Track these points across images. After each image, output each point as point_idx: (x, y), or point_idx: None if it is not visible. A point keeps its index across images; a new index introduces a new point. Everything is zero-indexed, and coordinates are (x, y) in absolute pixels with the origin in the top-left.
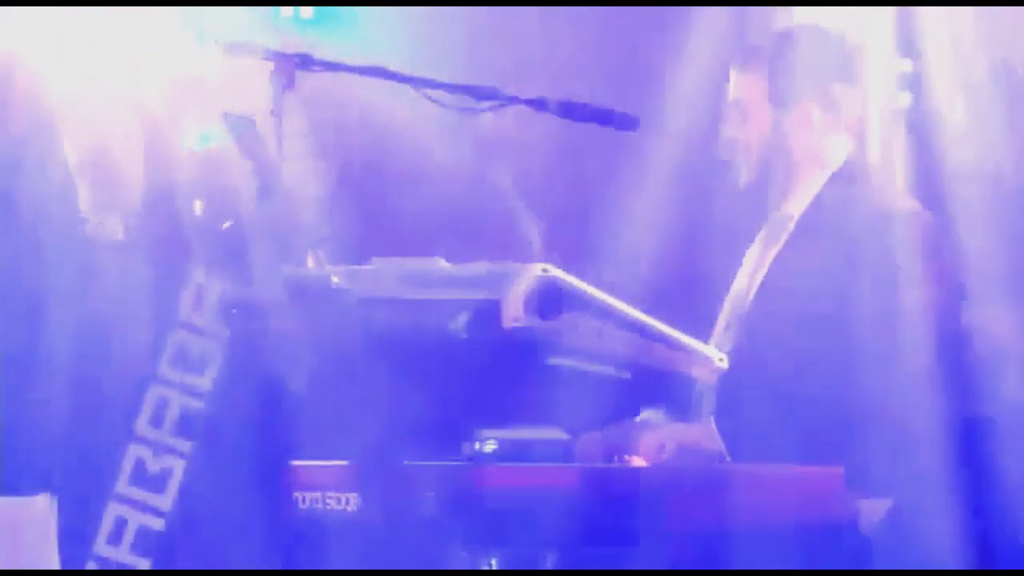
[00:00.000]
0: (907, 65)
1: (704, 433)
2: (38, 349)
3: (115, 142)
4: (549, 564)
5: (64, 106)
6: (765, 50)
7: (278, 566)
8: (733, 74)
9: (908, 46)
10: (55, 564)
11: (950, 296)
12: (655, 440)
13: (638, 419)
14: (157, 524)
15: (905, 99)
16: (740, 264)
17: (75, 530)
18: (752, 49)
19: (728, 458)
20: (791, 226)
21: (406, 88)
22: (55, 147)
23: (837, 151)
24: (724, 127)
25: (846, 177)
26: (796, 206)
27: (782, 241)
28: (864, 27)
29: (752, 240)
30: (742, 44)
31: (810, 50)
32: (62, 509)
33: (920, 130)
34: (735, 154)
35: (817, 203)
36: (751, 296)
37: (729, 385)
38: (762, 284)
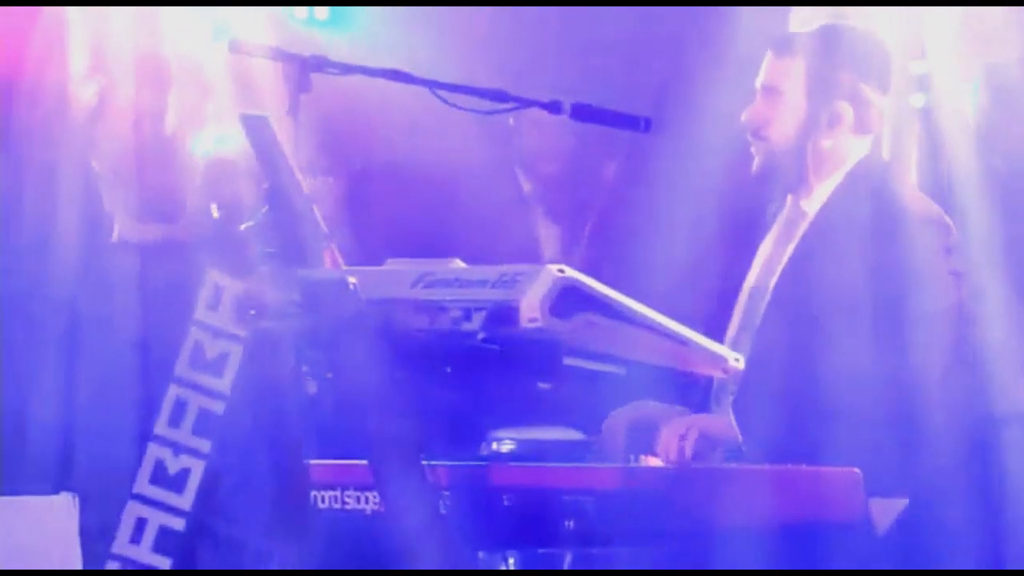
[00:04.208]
0: (921, 65)
1: (723, 424)
2: (60, 351)
3: (135, 147)
4: (566, 564)
5: (87, 113)
6: (810, 41)
7: (296, 565)
8: (770, 58)
9: (922, 46)
10: (77, 563)
11: (965, 296)
12: (676, 431)
13: (648, 406)
14: (177, 523)
15: (919, 99)
16: (752, 260)
17: (96, 529)
18: (796, 37)
19: (744, 449)
20: (806, 223)
21: (421, 90)
22: (79, 153)
23: (856, 152)
24: (748, 110)
25: (863, 176)
26: (811, 203)
27: (797, 238)
28: (887, 25)
29: (764, 232)
30: (780, 34)
31: (855, 51)
32: (83, 509)
33: (933, 130)
34: (752, 139)
35: (833, 201)
36: (767, 294)
37: (746, 384)
38: (777, 282)
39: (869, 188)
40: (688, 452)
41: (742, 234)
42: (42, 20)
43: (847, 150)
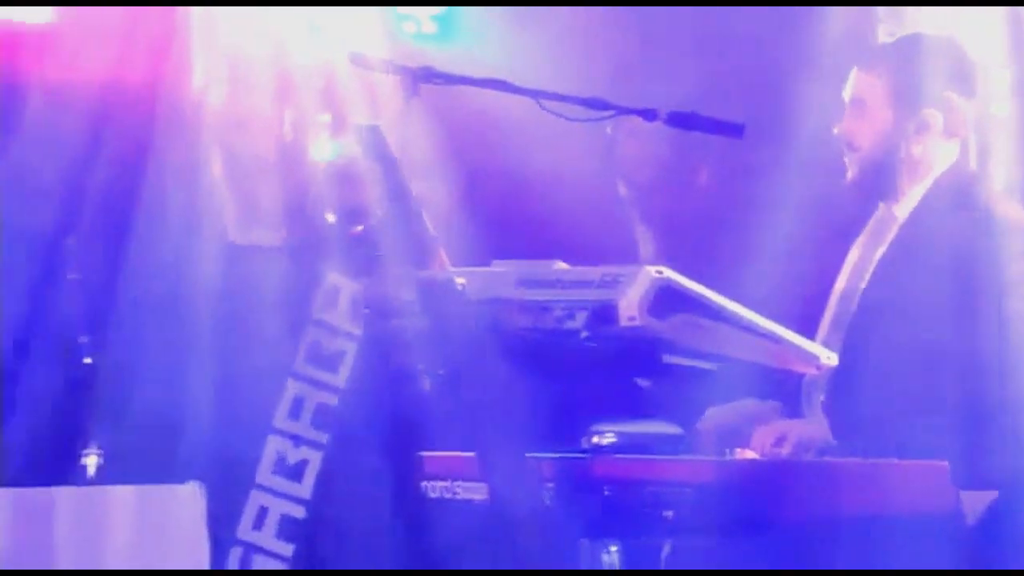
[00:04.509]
0: (1006, 72)
1: (816, 427)
2: (188, 349)
3: (255, 154)
4: (665, 553)
5: (211, 121)
6: (891, 53)
7: (408, 552)
8: (855, 73)
9: (1010, 53)
10: (204, 549)
11: None
12: (772, 433)
13: (745, 404)
14: (298, 512)
15: (1003, 106)
16: (843, 262)
17: (222, 516)
18: (878, 50)
19: (836, 447)
20: (896, 227)
21: (524, 99)
22: (204, 159)
23: (945, 157)
24: (840, 123)
25: (952, 181)
26: (902, 208)
27: (886, 242)
28: (972, 34)
29: (854, 236)
30: (867, 45)
31: (936, 59)
32: (211, 497)
33: (1018, 136)
34: (846, 150)
35: (923, 206)
36: (858, 295)
37: (837, 383)
38: (868, 284)
39: (957, 193)
40: (786, 453)
41: (832, 237)
42: (177, 26)
43: (936, 155)
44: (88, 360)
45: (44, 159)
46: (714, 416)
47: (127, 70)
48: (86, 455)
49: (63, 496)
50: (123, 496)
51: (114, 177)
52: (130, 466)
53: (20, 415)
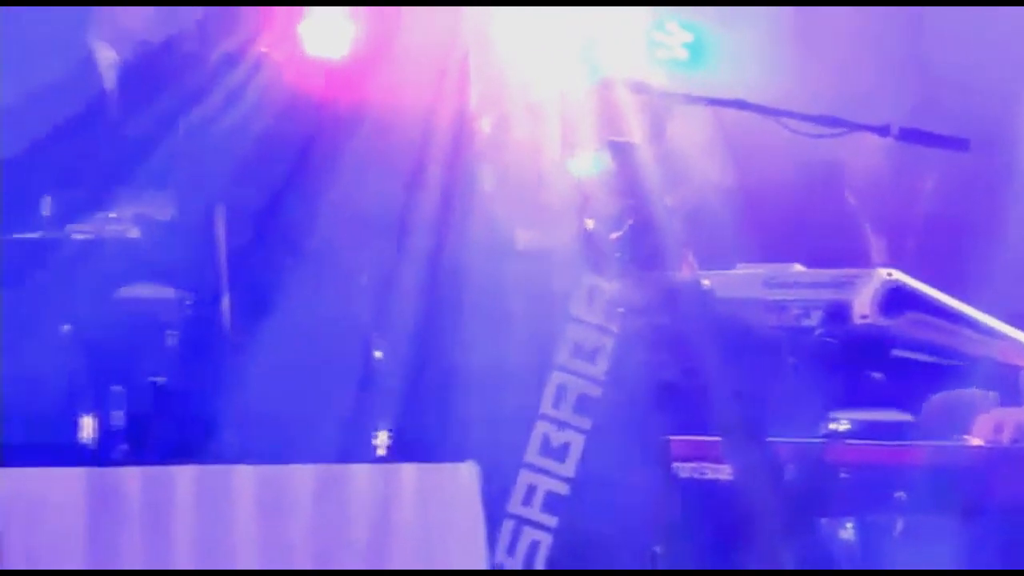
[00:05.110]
0: None
1: None
2: (469, 343)
3: (526, 170)
4: (897, 530)
5: (490, 139)
6: None
7: (659, 526)
8: None
9: None
10: (481, 521)
11: None
12: (992, 421)
13: (968, 394)
14: (562, 488)
15: None
16: None
17: (495, 492)
18: None
19: None
20: None
21: (764, 118)
22: (484, 175)
23: None
24: None
25: None
26: None
27: None
28: None
29: None
30: None
31: None
32: (484, 475)
33: None
34: None
35: None
36: None
37: None
38: None
39: None
40: (1006, 440)
41: None
42: (458, 54)
43: None
44: (378, 353)
45: (351, 181)
46: (940, 405)
47: (420, 96)
48: (376, 436)
49: (357, 472)
50: (409, 472)
51: (407, 194)
52: (414, 446)
53: (321, 400)
